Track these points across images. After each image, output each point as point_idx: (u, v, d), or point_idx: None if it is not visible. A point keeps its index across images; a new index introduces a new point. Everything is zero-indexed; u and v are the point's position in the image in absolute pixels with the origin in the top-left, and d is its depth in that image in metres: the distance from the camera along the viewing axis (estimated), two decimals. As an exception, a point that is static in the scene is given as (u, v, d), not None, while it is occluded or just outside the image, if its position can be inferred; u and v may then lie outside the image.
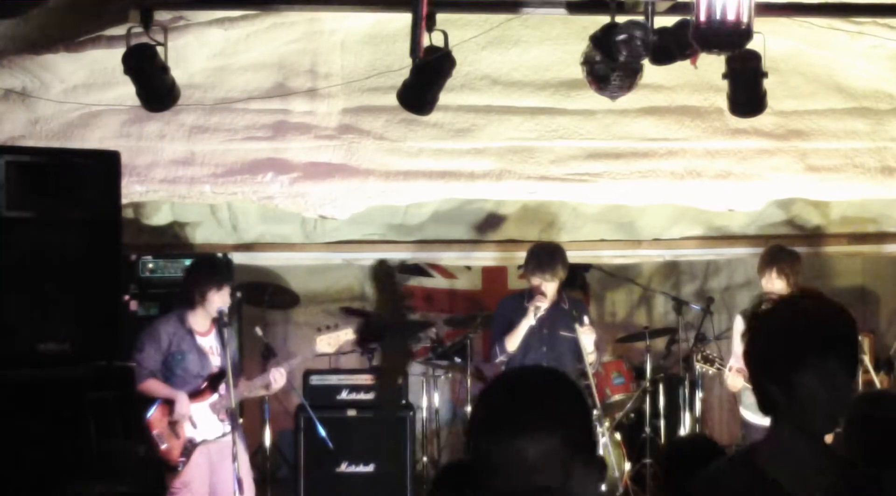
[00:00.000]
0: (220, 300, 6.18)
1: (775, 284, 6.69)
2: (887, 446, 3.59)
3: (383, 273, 2.07)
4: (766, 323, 2.53)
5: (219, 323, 6.20)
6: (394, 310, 2.07)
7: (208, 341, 6.26)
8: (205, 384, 6.21)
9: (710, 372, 6.80)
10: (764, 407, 2.52)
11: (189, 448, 6.11)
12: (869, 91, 7.14)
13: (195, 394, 6.17)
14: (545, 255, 6.58)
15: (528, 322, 6.49)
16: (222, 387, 6.21)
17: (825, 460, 2.46)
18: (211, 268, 6.43)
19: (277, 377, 6.25)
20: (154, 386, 6.10)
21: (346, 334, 6.51)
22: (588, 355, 6.56)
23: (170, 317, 6.33)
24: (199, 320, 6.23)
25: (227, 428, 6.16)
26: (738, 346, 6.92)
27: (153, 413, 6.10)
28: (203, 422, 6.16)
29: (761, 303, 2.70)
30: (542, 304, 6.48)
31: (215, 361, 6.26)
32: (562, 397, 1.99)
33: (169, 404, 6.11)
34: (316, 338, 6.47)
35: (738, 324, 6.84)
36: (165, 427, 6.10)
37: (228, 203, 7.73)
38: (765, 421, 2.65)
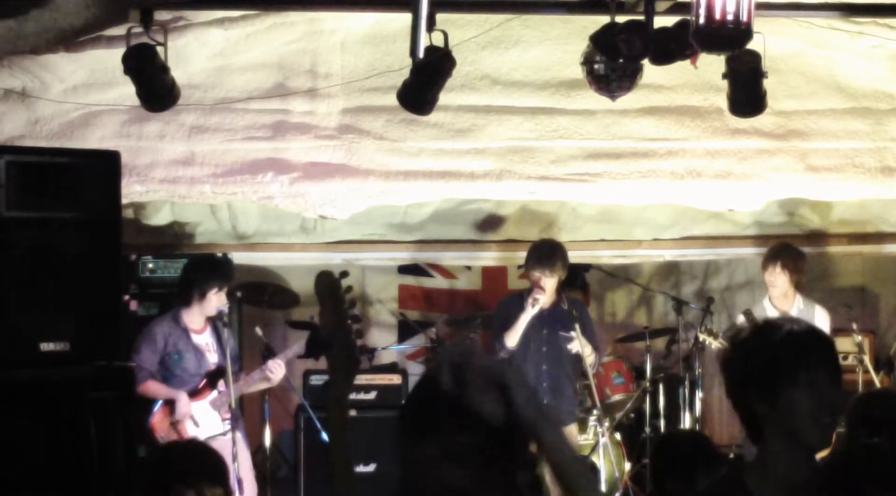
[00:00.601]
0: (217, 300, 6.18)
1: (778, 278, 6.72)
2: (889, 445, 3.59)
3: (326, 284, 2.09)
4: (745, 346, 2.52)
5: (217, 320, 6.20)
6: (339, 321, 2.09)
7: (204, 339, 6.27)
8: (203, 382, 6.21)
9: (714, 345, 6.81)
10: (752, 431, 2.49)
11: None
12: (869, 91, 7.13)
13: (194, 393, 6.17)
14: (545, 251, 6.62)
15: (527, 316, 6.50)
16: (221, 384, 6.21)
17: (816, 478, 2.45)
18: (213, 267, 6.42)
19: (275, 368, 6.24)
20: (153, 387, 6.10)
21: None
22: (587, 357, 6.60)
23: (164, 317, 6.34)
24: (195, 318, 6.23)
25: (230, 425, 6.16)
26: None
27: (155, 415, 6.10)
28: (205, 420, 6.16)
29: (737, 332, 2.68)
30: (541, 297, 6.50)
31: (212, 358, 6.26)
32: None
33: (170, 405, 6.11)
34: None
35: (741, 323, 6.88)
36: (168, 428, 6.10)
37: (228, 203, 7.72)
38: None
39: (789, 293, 6.79)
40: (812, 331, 2.50)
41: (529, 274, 6.67)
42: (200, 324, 6.25)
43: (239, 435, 6.10)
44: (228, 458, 5.96)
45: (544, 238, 7.23)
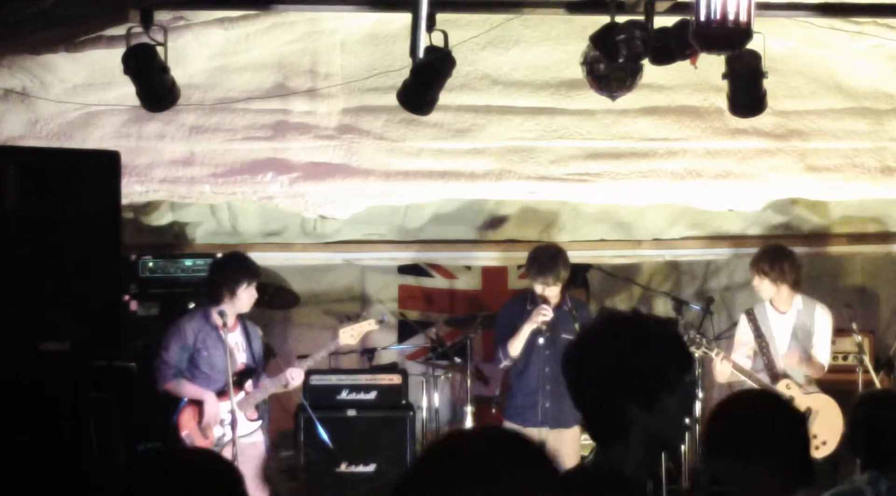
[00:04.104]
0: (248, 296, 6.16)
1: (761, 285, 6.77)
2: (890, 446, 3.60)
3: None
4: (624, 343, 2.51)
5: (247, 319, 6.19)
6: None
7: (234, 337, 6.22)
8: (232, 381, 6.14)
9: (697, 354, 6.77)
10: (611, 427, 2.45)
11: (218, 447, 6.07)
12: (869, 91, 7.13)
13: (222, 393, 6.11)
14: (546, 259, 6.59)
15: (530, 326, 6.49)
16: (248, 385, 6.17)
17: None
18: (241, 264, 6.36)
19: (295, 375, 6.25)
20: (181, 385, 6.05)
21: (370, 324, 6.50)
22: None
23: (195, 314, 6.30)
24: (226, 317, 6.18)
25: (256, 426, 6.13)
26: (739, 343, 6.95)
27: (182, 413, 6.05)
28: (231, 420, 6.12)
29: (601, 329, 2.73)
30: (549, 315, 6.47)
31: (241, 358, 6.22)
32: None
33: (197, 404, 6.06)
34: (339, 331, 6.44)
35: (743, 324, 6.90)
36: (195, 427, 6.05)
37: (228, 203, 7.73)
38: None
39: (784, 295, 6.79)
40: (674, 331, 2.62)
41: (533, 286, 6.65)
42: (231, 322, 6.20)
43: (263, 438, 6.09)
44: (257, 460, 5.95)
45: (543, 244, 7.20)
